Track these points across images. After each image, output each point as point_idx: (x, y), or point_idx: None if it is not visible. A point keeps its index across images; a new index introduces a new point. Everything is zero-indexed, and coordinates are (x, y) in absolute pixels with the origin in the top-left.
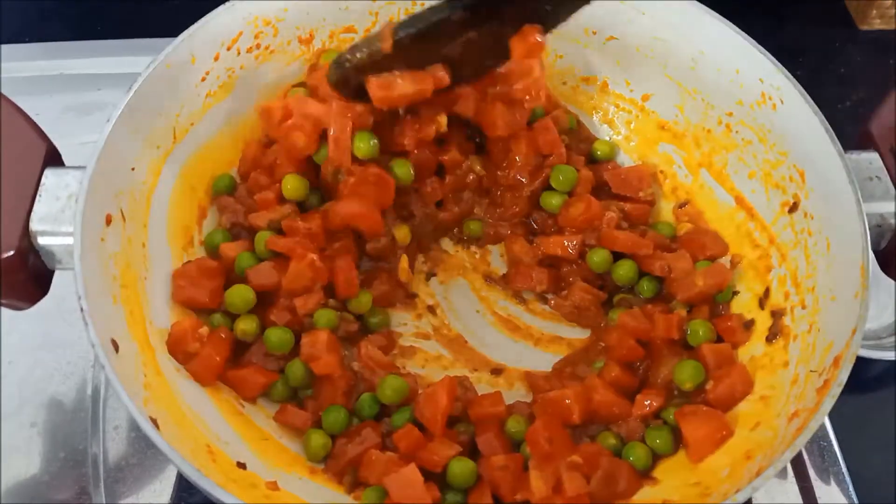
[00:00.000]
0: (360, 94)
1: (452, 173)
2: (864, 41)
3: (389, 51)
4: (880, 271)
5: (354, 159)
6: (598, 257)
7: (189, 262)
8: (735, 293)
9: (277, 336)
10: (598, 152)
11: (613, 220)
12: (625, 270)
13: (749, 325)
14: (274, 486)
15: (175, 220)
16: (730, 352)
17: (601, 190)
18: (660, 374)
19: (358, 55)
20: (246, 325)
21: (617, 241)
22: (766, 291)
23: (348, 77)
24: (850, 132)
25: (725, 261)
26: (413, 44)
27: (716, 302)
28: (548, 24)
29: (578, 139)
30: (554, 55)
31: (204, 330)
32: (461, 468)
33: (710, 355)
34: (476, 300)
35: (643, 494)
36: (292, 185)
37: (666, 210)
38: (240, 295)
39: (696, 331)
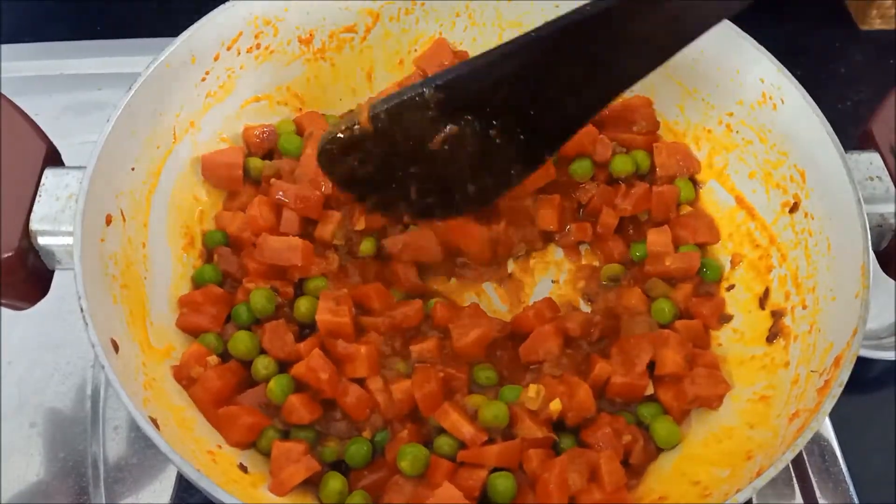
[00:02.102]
0: (348, 182)
1: None
2: (865, 41)
3: (367, 125)
4: (881, 271)
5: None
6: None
7: (195, 289)
8: (731, 287)
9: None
10: None
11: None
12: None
13: (726, 318)
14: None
15: (175, 220)
16: (702, 330)
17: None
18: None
19: (337, 130)
20: (243, 346)
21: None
22: (766, 291)
23: (334, 158)
24: (851, 132)
25: (723, 254)
26: (392, 124)
27: (705, 281)
28: (536, 143)
29: None
30: None
31: (212, 359)
32: (504, 484)
33: (685, 331)
34: None
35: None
36: (260, 302)
37: None
38: (243, 343)
39: (662, 308)
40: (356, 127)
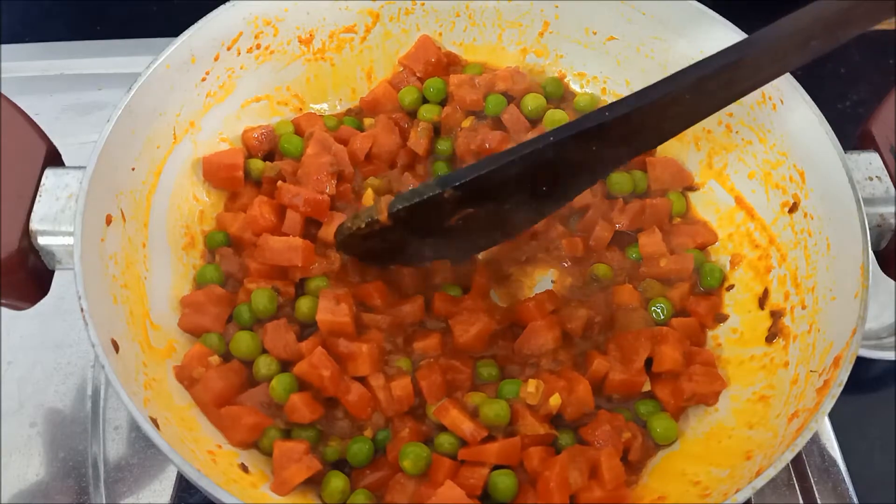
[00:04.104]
0: (365, 257)
1: None
2: (864, 41)
3: (386, 222)
4: (880, 271)
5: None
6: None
7: (198, 289)
8: (730, 287)
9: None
10: (581, 103)
11: None
12: (622, 182)
13: (722, 318)
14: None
15: (175, 220)
16: (698, 328)
17: None
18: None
19: (357, 225)
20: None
21: None
22: (766, 292)
23: (353, 245)
24: (850, 132)
25: (722, 254)
26: (411, 216)
27: (703, 286)
28: (547, 205)
29: (563, 100)
30: (554, 55)
31: (214, 359)
32: (504, 482)
33: (681, 329)
34: None
35: (646, 483)
36: (262, 302)
37: None
38: (245, 343)
39: (660, 305)
40: (375, 222)
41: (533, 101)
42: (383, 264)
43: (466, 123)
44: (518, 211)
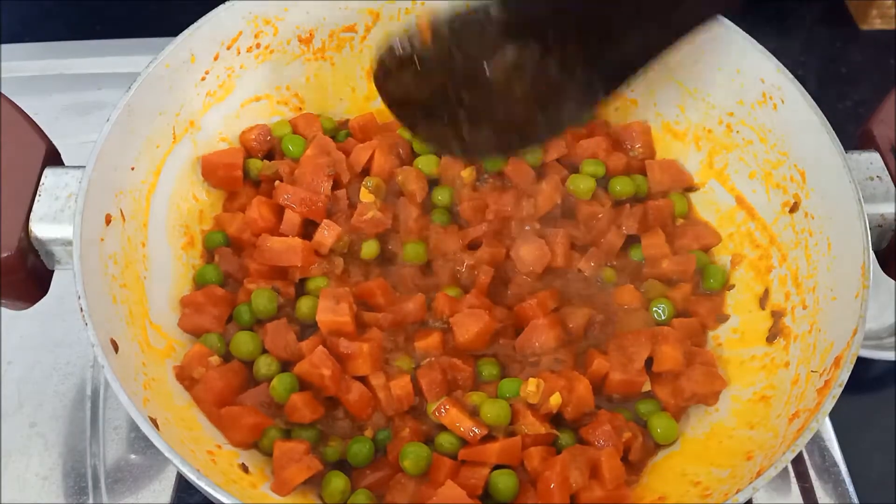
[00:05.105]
0: (400, 103)
1: None
2: (865, 41)
3: (426, 36)
4: (880, 271)
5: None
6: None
7: (197, 289)
8: (731, 287)
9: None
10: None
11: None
12: (625, 184)
13: (722, 318)
14: None
15: (175, 219)
16: (699, 329)
17: None
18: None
19: (397, 45)
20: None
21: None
22: (766, 292)
23: (389, 73)
24: (851, 132)
25: (723, 254)
26: (452, 40)
27: (705, 288)
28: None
29: None
30: None
31: (214, 359)
32: (505, 482)
33: (681, 329)
34: None
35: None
36: (263, 304)
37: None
38: (245, 343)
39: (661, 306)
40: (416, 39)
41: None
42: (414, 123)
43: (466, 174)
44: (563, 79)
